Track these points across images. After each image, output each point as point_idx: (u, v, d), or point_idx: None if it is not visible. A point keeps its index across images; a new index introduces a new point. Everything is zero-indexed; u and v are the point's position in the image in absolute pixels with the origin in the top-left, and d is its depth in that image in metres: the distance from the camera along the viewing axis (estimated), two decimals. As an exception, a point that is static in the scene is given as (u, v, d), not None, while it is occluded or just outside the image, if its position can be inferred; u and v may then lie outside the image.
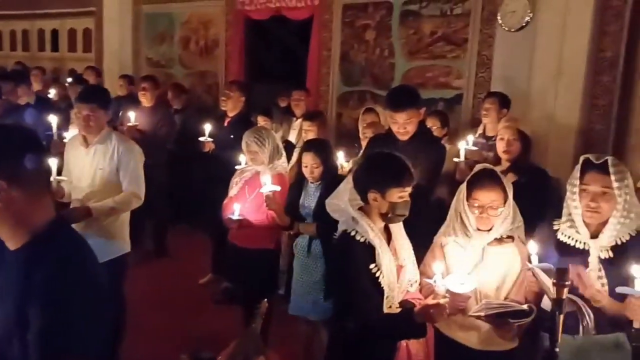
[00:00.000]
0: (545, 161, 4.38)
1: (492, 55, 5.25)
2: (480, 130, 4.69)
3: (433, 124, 4.71)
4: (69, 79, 7.69)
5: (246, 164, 3.72)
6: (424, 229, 2.81)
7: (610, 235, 2.36)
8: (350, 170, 3.55)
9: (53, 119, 4.34)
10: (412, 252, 2.52)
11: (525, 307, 2.40)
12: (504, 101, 4.59)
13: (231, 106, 5.02)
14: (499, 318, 2.41)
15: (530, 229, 2.65)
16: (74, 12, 9.24)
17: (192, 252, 5.62)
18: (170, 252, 5.78)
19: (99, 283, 1.52)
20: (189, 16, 7.86)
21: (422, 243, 2.71)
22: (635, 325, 2.23)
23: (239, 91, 5.09)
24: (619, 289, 2.23)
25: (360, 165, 2.58)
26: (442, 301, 2.17)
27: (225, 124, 4.99)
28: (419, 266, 2.56)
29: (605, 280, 2.35)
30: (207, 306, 4.63)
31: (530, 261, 2.36)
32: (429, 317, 2.20)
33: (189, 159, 5.62)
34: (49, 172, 1.67)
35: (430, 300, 2.21)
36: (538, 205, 3.18)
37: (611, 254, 2.36)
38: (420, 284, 2.53)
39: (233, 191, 3.72)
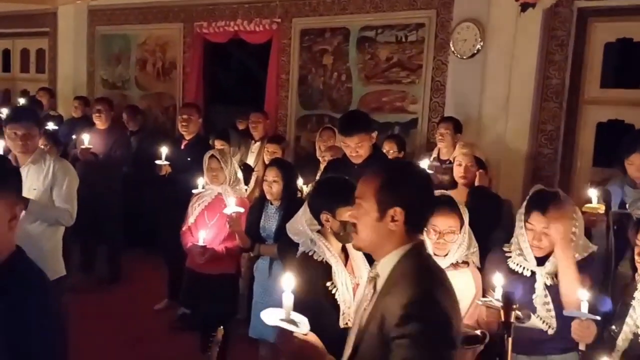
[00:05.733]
0: (496, 185, 4.52)
1: (445, 81, 5.39)
2: (434, 154, 4.80)
3: (390, 148, 4.81)
4: (22, 100, 7.49)
5: (203, 187, 3.70)
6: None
7: (555, 263, 2.46)
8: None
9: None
10: (369, 270, 2.57)
11: (478, 332, 2.45)
12: (457, 126, 4.73)
13: (190, 128, 4.99)
14: None
15: (483, 253, 2.74)
16: (27, 32, 9.02)
17: (148, 277, 5.51)
18: (124, 277, 5.65)
19: (59, 312, 1.62)
20: (146, 38, 7.80)
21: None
22: (581, 347, 2.31)
23: (198, 113, 5.07)
24: (567, 312, 2.32)
25: (312, 190, 2.74)
26: None
27: (183, 147, 4.94)
28: None
29: (551, 306, 2.44)
30: (163, 333, 4.53)
31: (492, 289, 2.38)
32: None
33: (144, 182, 5.53)
34: (10, 203, 1.62)
35: None
36: (491, 230, 3.30)
37: (557, 281, 2.46)
38: None
39: (191, 218, 3.69)
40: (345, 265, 2.50)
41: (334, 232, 2.48)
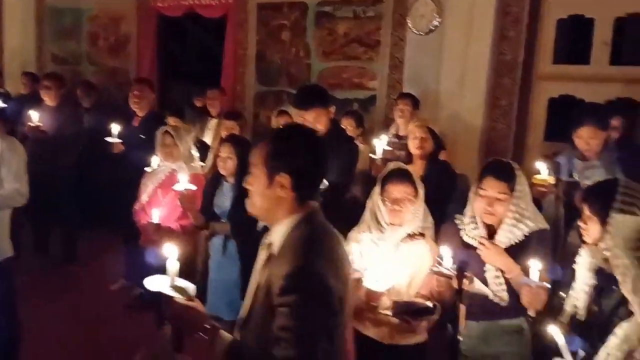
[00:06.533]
0: (453, 159, 4.58)
1: (403, 58, 5.42)
2: (393, 130, 4.84)
3: (348, 124, 4.81)
4: (-36, 77, 7.16)
5: (158, 165, 3.63)
6: (338, 227, 2.87)
7: (505, 235, 2.52)
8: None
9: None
10: None
11: (429, 304, 2.50)
12: (416, 102, 4.76)
13: (143, 105, 4.86)
14: (405, 316, 2.50)
15: (438, 225, 2.79)
16: (-31, 5, 8.59)
17: (103, 257, 5.40)
18: (79, 258, 5.52)
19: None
20: (98, 11, 7.54)
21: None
22: (531, 313, 2.39)
23: (150, 89, 4.94)
24: (518, 279, 2.39)
25: None
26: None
27: (136, 124, 4.82)
28: None
29: (502, 279, 2.51)
30: (120, 313, 4.46)
31: (439, 263, 2.44)
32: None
33: (99, 160, 5.38)
34: None
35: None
36: (446, 204, 3.36)
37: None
38: None
39: (144, 196, 3.61)
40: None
41: None
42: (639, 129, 4.76)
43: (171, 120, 4.54)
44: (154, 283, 1.62)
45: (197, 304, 1.66)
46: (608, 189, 2.18)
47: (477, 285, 2.43)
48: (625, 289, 1.68)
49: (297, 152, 1.71)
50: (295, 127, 2.01)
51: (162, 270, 1.66)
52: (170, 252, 1.61)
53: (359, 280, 2.29)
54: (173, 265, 1.60)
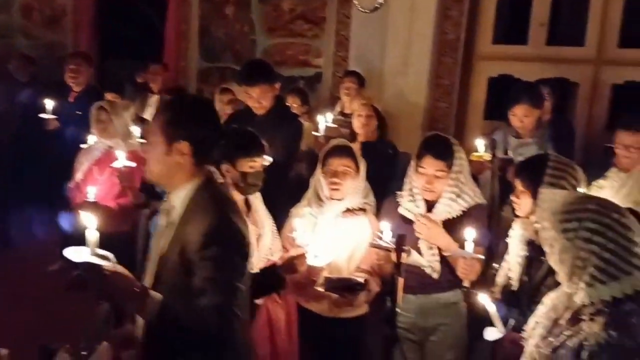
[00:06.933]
0: (397, 137, 4.65)
1: (349, 35, 5.40)
2: (338, 108, 4.84)
3: (293, 102, 4.77)
4: None
5: (94, 142, 3.51)
6: (283, 203, 2.89)
7: (443, 210, 2.59)
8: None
9: None
10: (272, 222, 2.64)
11: (361, 280, 2.55)
12: (361, 80, 4.78)
13: (79, 80, 4.68)
14: (337, 291, 2.55)
15: (380, 203, 2.83)
16: None
17: (41, 237, 5.21)
18: (15, 239, 5.31)
19: None
20: (31, -18, 7.14)
21: (282, 217, 2.79)
22: (466, 284, 2.47)
23: (88, 63, 4.75)
24: (454, 252, 2.47)
25: None
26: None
27: (72, 100, 4.64)
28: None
29: (435, 251, 2.58)
30: (58, 294, 4.33)
31: (379, 237, 2.48)
32: (292, 267, 2.31)
33: (36, 137, 5.15)
34: None
35: (292, 252, 2.35)
36: (388, 180, 3.41)
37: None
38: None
39: (79, 174, 3.50)
40: (248, 217, 2.50)
41: (234, 182, 2.48)
42: (571, 108, 4.96)
43: (109, 96, 4.39)
44: (75, 253, 1.63)
45: (123, 270, 1.69)
46: (539, 164, 2.27)
47: (414, 257, 2.49)
48: (552, 260, 1.75)
49: (194, 120, 1.81)
50: (188, 96, 2.15)
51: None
52: (88, 221, 1.64)
53: (302, 256, 2.30)
54: (92, 234, 1.63)
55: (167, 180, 1.87)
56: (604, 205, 1.66)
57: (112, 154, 3.44)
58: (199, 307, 1.67)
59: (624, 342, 1.52)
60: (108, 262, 1.65)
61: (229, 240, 1.75)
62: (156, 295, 1.71)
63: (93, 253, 1.63)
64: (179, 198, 1.84)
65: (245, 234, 1.81)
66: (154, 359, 1.87)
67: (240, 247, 1.79)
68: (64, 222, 1.64)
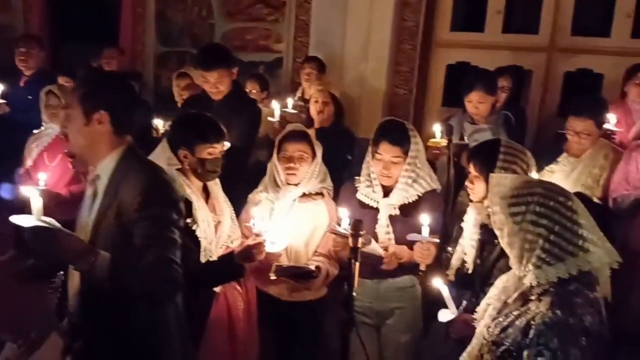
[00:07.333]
0: (357, 122, 4.68)
1: (310, 21, 5.36)
2: (299, 94, 4.82)
3: (252, 88, 4.73)
4: None
5: (44, 127, 3.40)
6: (242, 190, 2.87)
7: (399, 195, 2.63)
8: (165, 133, 3.46)
9: None
10: (231, 209, 2.62)
11: (312, 267, 2.57)
12: (321, 66, 4.76)
13: (30, 64, 4.52)
14: (287, 279, 2.58)
15: (337, 189, 2.84)
16: None
17: (-9, 227, 5.04)
18: (-37, 229, 5.12)
19: None
20: (-24, -41, 6.82)
21: (241, 204, 2.78)
22: (422, 267, 2.52)
23: (39, 46, 4.60)
24: (409, 236, 2.50)
25: (170, 126, 2.69)
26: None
27: (22, 84, 4.49)
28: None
29: (392, 236, 2.62)
30: (10, 285, 4.21)
31: (338, 223, 2.48)
32: (250, 256, 2.31)
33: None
34: None
35: (250, 241, 2.33)
36: (345, 165, 3.43)
37: (398, 212, 2.63)
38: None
39: (29, 160, 3.39)
40: (207, 203, 2.49)
41: (192, 168, 2.45)
42: (525, 95, 5.07)
43: (61, 80, 4.26)
44: (22, 219, 1.67)
45: (66, 230, 1.73)
46: (491, 149, 2.31)
47: (373, 246, 2.52)
48: (503, 243, 1.79)
49: (111, 90, 1.91)
50: (102, 70, 2.22)
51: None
52: (30, 192, 1.69)
53: (260, 244, 2.30)
54: (37, 202, 1.67)
55: (89, 151, 1.92)
56: (551, 189, 1.71)
57: (62, 139, 3.34)
58: (147, 261, 1.75)
59: (569, 321, 1.57)
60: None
61: (165, 197, 1.86)
62: (104, 253, 1.74)
63: (39, 219, 1.67)
64: (104, 168, 1.90)
65: (178, 192, 1.94)
66: (92, 319, 1.92)
67: (176, 203, 1.89)
68: (4, 191, 1.68)
